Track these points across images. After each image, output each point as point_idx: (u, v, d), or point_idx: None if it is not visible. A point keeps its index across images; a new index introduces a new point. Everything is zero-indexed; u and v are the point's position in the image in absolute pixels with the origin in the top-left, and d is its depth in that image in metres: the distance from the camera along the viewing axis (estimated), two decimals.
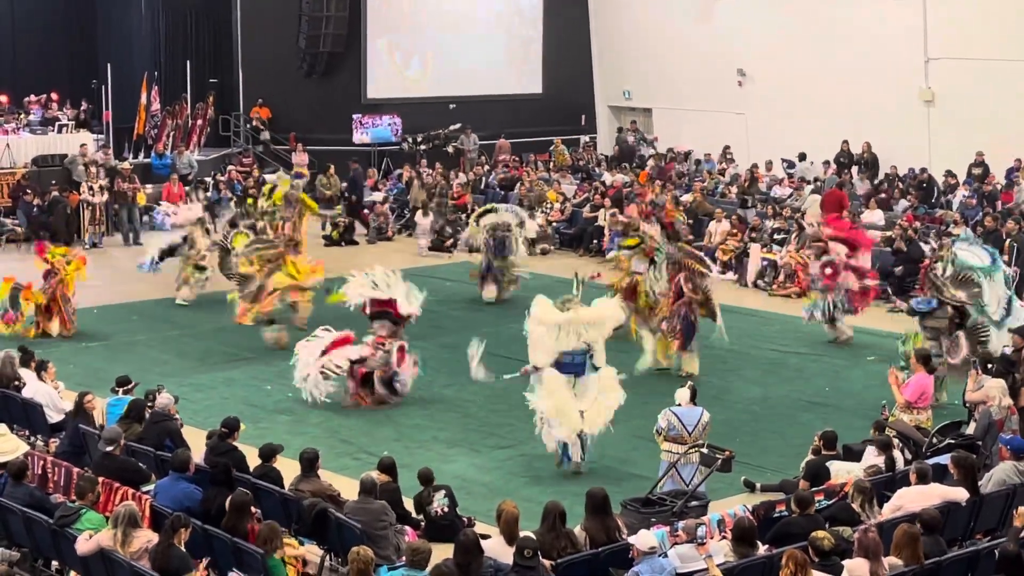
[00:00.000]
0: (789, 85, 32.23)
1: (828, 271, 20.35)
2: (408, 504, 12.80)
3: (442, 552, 10.62)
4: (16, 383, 15.41)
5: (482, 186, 32.59)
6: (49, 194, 28.18)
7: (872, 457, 13.25)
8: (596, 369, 14.88)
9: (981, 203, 26.93)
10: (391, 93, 36.21)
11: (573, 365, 14.82)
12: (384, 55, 35.99)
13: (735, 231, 26.77)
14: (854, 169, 31.15)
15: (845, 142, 31.51)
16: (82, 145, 30.38)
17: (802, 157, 32.52)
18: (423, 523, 12.67)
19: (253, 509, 11.50)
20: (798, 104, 32.02)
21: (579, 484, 13.23)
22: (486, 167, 34.12)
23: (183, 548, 10.44)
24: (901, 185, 29.44)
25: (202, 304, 22.69)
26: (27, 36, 36.81)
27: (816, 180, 30.87)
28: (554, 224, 29.33)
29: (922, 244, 24.21)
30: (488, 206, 24.88)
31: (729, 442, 13.98)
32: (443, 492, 12.80)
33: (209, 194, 30.87)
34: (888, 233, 25.37)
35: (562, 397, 14.64)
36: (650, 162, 33.28)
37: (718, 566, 10.17)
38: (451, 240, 28.10)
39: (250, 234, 21.54)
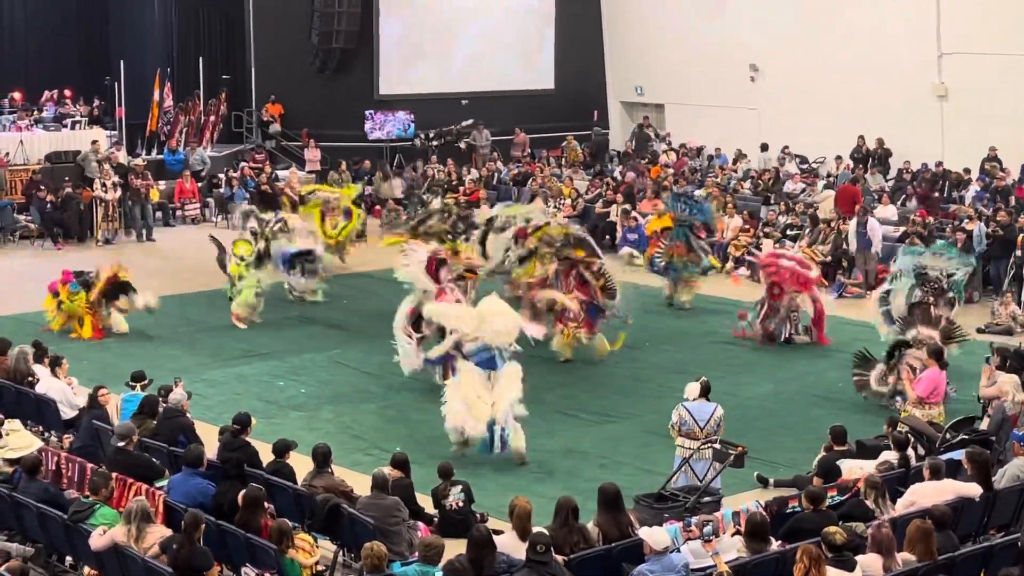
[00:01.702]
0: (802, 80, 32.16)
1: (775, 291, 20.32)
2: (421, 500, 12.81)
3: (455, 547, 10.63)
4: (30, 379, 15.45)
5: (494, 182, 32.58)
6: (62, 191, 28.25)
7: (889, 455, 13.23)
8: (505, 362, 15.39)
9: (994, 198, 26.86)
10: (403, 89, 36.20)
11: (486, 361, 15.33)
12: (396, 51, 35.97)
13: (747, 227, 26.74)
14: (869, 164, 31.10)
15: (860, 137, 31.43)
16: (94, 142, 30.45)
17: (764, 147, 32.74)
18: (437, 517, 12.69)
19: (266, 505, 11.53)
20: (811, 99, 31.95)
21: (592, 480, 13.23)
22: (499, 163, 34.11)
23: (203, 545, 10.47)
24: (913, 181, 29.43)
25: (215, 301, 22.70)
26: (40, 33, 36.91)
27: (829, 176, 30.83)
28: (566, 220, 29.27)
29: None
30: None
31: (741, 438, 13.95)
32: (460, 487, 12.82)
33: (222, 190, 30.99)
34: (902, 228, 25.34)
35: (471, 390, 15.08)
36: (619, 169, 32.91)
37: (731, 562, 10.17)
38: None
39: (252, 242, 21.46)
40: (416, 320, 17.68)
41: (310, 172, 33.31)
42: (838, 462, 13.09)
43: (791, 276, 20.28)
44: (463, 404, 15.01)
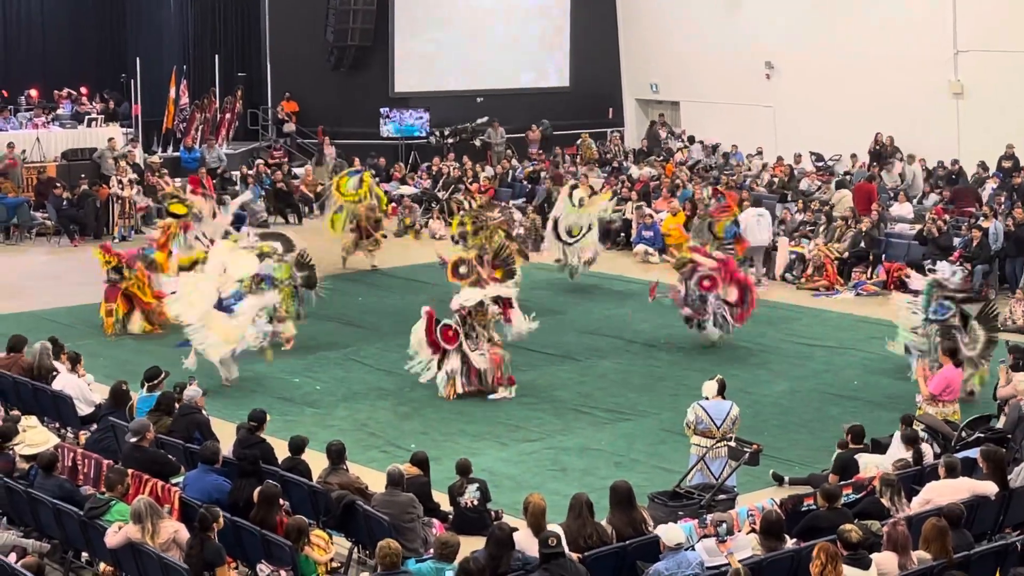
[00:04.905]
0: (817, 78, 32.10)
1: (706, 283, 19.88)
2: (437, 497, 12.82)
3: (469, 544, 10.65)
4: (54, 374, 15.50)
5: (509, 179, 32.60)
6: (79, 188, 28.34)
7: (899, 450, 13.21)
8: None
9: (1011, 196, 26.78)
10: (419, 87, 36.22)
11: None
12: (411, 48, 35.99)
13: None
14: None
15: (878, 134, 31.36)
16: (110, 139, 30.55)
17: (691, 140, 33.37)
18: (452, 515, 12.71)
19: (282, 501, 11.55)
20: (826, 97, 31.89)
21: (606, 478, 13.22)
22: (513, 160, 34.11)
23: (216, 541, 10.49)
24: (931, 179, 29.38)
25: None
26: (57, 31, 37.02)
27: (846, 174, 30.77)
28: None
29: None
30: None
31: (757, 436, 13.95)
32: (476, 485, 12.83)
33: (237, 187, 31.04)
34: (918, 226, 25.29)
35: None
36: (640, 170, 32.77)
37: (746, 560, 10.16)
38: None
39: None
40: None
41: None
42: (856, 456, 13.09)
43: (715, 270, 19.97)
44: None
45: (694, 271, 19.97)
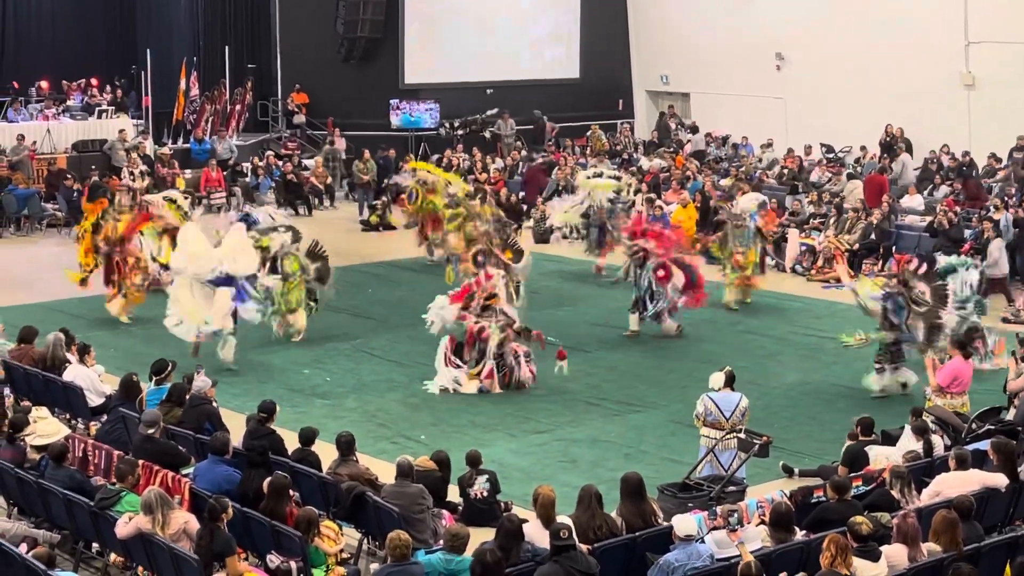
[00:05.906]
0: (828, 70, 32.04)
1: (661, 272, 19.66)
2: (453, 491, 12.84)
3: (478, 536, 10.65)
4: (66, 365, 15.54)
5: (519, 171, 32.57)
6: (89, 179, 28.37)
7: (910, 442, 13.20)
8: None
9: (1022, 188, 26.72)
10: (429, 78, 36.21)
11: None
12: (421, 40, 35.98)
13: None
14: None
15: (889, 126, 31.30)
16: (121, 131, 30.61)
17: (695, 129, 33.48)
18: (461, 506, 12.72)
19: (292, 492, 11.57)
20: (837, 89, 31.84)
21: (616, 470, 13.23)
22: (523, 151, 34.08)
23: (226, 531, 10.51)
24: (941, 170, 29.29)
25: None
26: (67, 22, 37.10)
27: (858, 161, 30.71)
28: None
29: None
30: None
31: (767, 427, 13.95)
32: (485, 476, 12.83)
33: (248, 179, 31.08)
34: (928, 218, 25.24)
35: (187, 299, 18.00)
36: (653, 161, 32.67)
37: (755, 551, 10.17)
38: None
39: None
40: (458, 349, 17.64)
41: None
42: (866, 448, 13.08)
43: (660, 243, 19.77)
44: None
45: (645, 258, 19.87)
